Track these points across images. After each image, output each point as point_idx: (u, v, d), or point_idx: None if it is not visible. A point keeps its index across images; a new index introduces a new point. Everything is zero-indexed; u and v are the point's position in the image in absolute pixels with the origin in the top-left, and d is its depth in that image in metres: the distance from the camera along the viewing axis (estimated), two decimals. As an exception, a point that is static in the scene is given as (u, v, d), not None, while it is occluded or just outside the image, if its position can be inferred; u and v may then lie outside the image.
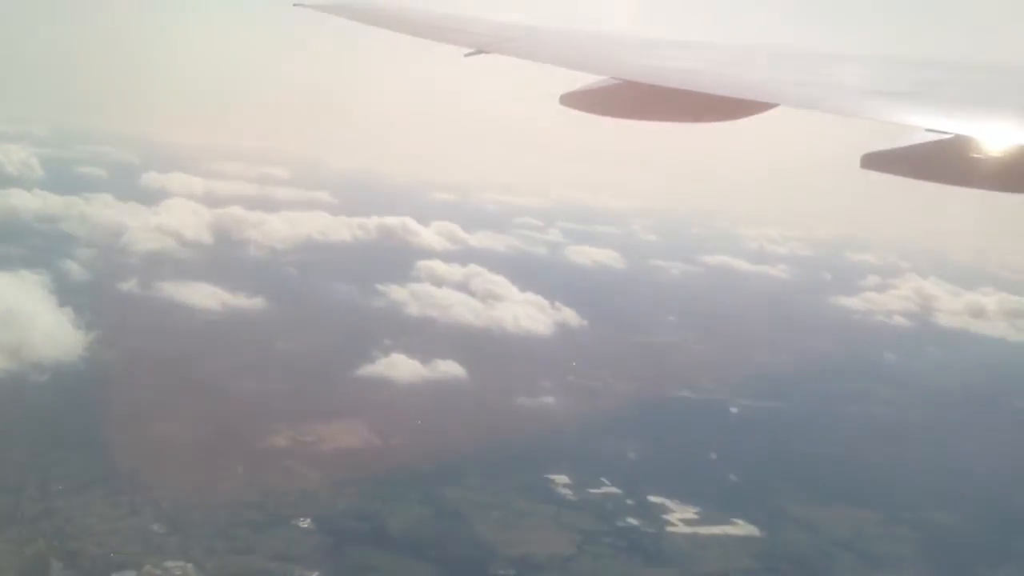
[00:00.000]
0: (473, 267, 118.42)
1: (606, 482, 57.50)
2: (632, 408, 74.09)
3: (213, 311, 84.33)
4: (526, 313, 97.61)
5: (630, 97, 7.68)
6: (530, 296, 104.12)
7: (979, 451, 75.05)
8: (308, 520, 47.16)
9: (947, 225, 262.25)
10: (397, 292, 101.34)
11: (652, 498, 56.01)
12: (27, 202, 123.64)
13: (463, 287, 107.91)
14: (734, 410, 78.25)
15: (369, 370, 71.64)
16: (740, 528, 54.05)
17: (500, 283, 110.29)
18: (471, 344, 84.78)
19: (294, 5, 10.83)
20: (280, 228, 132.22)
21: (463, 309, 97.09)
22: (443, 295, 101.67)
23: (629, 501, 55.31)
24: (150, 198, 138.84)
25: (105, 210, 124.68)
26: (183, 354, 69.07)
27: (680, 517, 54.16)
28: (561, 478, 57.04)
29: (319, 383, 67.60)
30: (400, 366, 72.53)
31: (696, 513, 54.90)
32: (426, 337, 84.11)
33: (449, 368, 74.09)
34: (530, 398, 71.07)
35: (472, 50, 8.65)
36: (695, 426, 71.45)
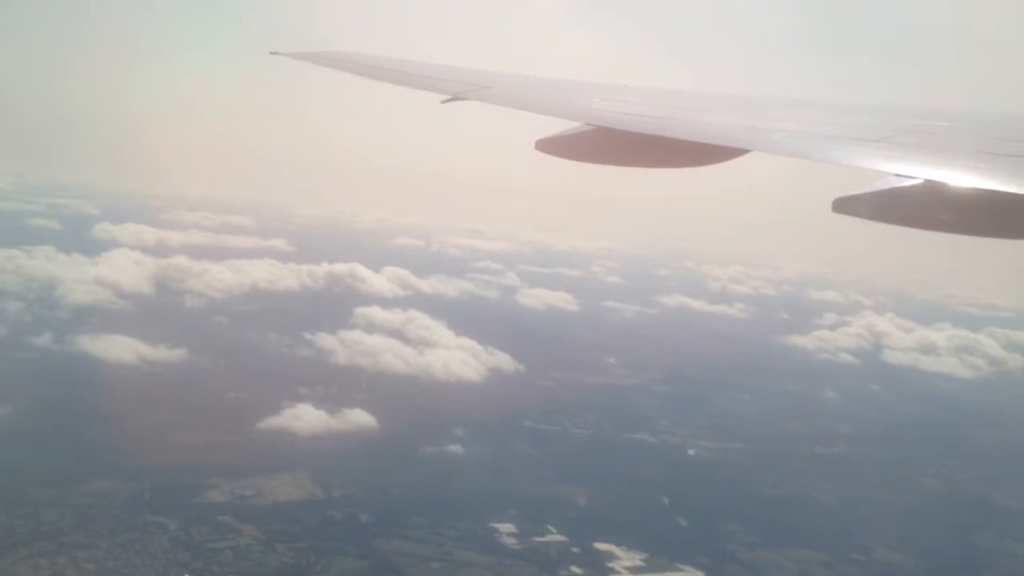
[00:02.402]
0: (413, 313, 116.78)
1: (552, 530, 56.44)
2: (585, 453, 73.15)
3: (127, 365, 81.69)
4: (457, 359, 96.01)
5: (604, 143, 7.76)
6: (464, 341, 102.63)
7: (930, 489, 75.25)
8: (237, 579, 45.72)
9: (914, 263, 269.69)
10: (326, 340, 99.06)
11: (599, 545, 55.09)
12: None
13: (397, 334, 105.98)
14: (691, 452, 77.58)
15: (272, 423, 69.13)
16: (686, 574, 53.20)
17: (435, 329, 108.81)
18: (392, 392, 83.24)
19: (270, 54, 10.71)
20: (224, 278, 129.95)
21: (391, 356, 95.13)
22: (373, 342, 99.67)
23: (574, 549, 54.32)
24: (96, 249, 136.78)
25: (45, 263, 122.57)
26: (85, 408, 66.92)
27: (625, 564, 53.31)
28: (507, 527, 55.93)
29: (220, 436, 65.49)
30: (305, 417, 70.45)
31: (643, 560, 54.09)
32: (344, 386, 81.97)
33: (358, 418, 72.32)
34: (436, 447, 69.07)
35: (448, 97, 8.68)
36: (650, 470, 70.34)
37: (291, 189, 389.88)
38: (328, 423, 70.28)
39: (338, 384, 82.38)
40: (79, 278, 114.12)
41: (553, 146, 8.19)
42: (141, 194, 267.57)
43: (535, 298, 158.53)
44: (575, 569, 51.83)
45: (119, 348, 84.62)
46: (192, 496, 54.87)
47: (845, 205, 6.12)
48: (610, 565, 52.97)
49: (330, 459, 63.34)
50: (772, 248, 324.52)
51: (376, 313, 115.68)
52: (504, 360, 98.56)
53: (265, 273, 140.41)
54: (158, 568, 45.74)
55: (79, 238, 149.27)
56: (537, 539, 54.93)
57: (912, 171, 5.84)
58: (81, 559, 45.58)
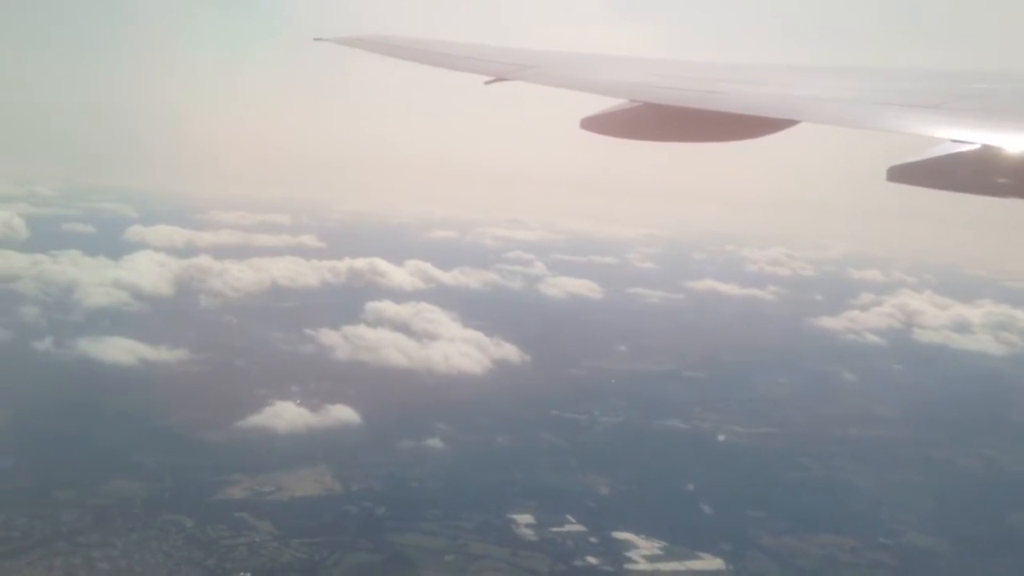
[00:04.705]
0: (423, 305, 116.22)
1: (571, 520, 55.70)
2: (609, 442, 72.40)
3: (123, 366, 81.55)
4: (460, 351, 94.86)
5: (651, 119, 7.71)
6: (471, 333, 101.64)
7: (964, 470, 73.28)
8: (248, 575, 45.54)
9: (963, 238, 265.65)
10: (329, 336, 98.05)
11: (618, 534, 54.22)
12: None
13: (403, 327, 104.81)
14: (721, 438, 76.54)
15: (253, 420, 68.37)
16: (704, 562, 52.08)
17: (442, 322, 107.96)
18: (390, 385, 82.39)
19: (314, 40, 10.84)
20: (244, 276, 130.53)
21: (393, 350, 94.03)
22: (376, 337, 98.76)
23: (592, 539, 53.52)
24: (123, 252, 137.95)
25: (69, 267, 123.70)
26: (85, 411, 67.23)
27: (643, 553, 52.31)
28: (524, 518, 55.32)
29: (198, 434, 65.47)
30: (285, 415, 69.56)
31: (662, 548, 53.03)
32: (338, 381, 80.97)
33: (340, 414, 71.16)
34: (414, 441, 67.50)
35: (492, 78, 8.66)
36: (677, 457, 69.45)
37: (335, 185, 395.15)
38: (309, 420, 69.49)
39: (333, 380, 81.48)
40: (99, 281, 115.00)
41: (599, 124, 8.11)
42: (183, 195, 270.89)
43: (558, 287, 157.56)
44: (591, 559, 51.05)
45: (119, 350, 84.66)
46: (211, 493, 55.13)
47: (900, 173, 5.96)
48: (627, 554, 52.01)
49: (331, 454, 63.19)
50: (821, 226, 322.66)
51: (387, 307, 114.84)
52: (510, 351, 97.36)
53: (286, 271, 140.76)
54: (171, 566, 45.84)
55: (110, 241, 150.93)
56: (555, 529, 54.16)
57: (970, 136, 5.65)
58: (95, 558, 45.89)
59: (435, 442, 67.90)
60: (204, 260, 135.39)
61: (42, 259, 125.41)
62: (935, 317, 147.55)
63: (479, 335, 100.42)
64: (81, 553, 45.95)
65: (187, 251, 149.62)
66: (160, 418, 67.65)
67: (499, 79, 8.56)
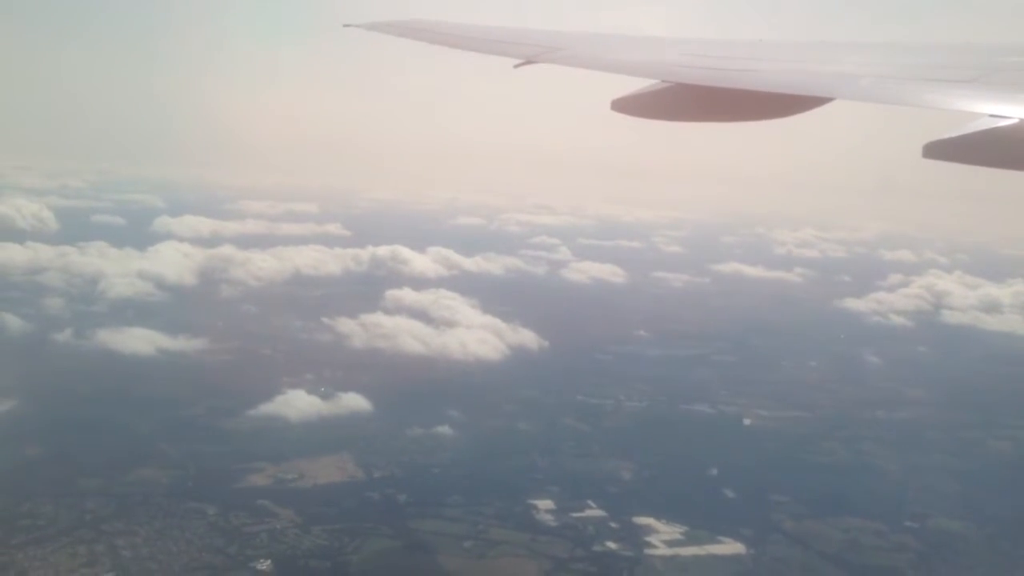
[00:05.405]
0: (443, 292, 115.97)
1: (592, 505, 55.31)
2: (633, 427, 71.99)
3: (144, 356, 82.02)
4: (477, 338, 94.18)
5: (683, 99, 7.71)
6: (488, 319, 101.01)
7: (996, 453, 72.15)
8: (268, 562, 45.77)
9: (999, 216, 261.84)
10: (346, 325, 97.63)
11: (638, 519, 53.69)
12: (15, 255, 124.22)
13: (421, 315, 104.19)
14: (747, 422, 76.02)
15: (273, 409, 68.17)
16: (725, 547, 51.37)
17: (459, 308, 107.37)
18: (402, 372, 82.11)
19: (344, 26, 10.99)
20: (267, 266, 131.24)
21: (409, 338, 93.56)
22: (393, 324, 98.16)
23: (613, 524, 52.98)
24: (150, 243, 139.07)
25: (96, 259, 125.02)
26: (95, 400, 67.62)
27: (663, 538, 51.70)
28: (545, 503, 55.02)
29: (220, 423, 65.72)
30: (296, 403, 69.24)
31: (682, 533, 52.41)
32: (352, 369, 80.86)
33: (358, 402, 70.84)
34: (425, 429, 66.81)
35: (521, 61, 8.70)
36: (702, 441, 68.93)
37: (364, 172, 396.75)
38: (328, 408, 69.26)
39: (350, 368, 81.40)
40: (124, 272, 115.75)
41: (630, 105, 8.06)
42: (214, 185, 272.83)
43: (581, 272, 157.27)
44: (610, 544, 50.62)
45: (137, 341, 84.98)
46: (233, 481, 55.37)
47: (937, 149, 5.89)
48: (647, 539, 51.52)
49: (352, 441, 63.23)
50: (855, 206, 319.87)
51: (406, 295, 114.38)
52: (528, 337, 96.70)
53: (309, 259, 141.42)
54: (192, 553, 46.02)
55: (138, 232, 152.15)
56: (575, 515, 53.83)
57: (1007, 111, 5.58)
58: (119, 546, 46.14)
59: (451, 429, 67.49)
60: (227, 250, 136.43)
61: (69, 251, 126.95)
62: (964, 298, 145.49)
63: (497, 321, 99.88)
64: (105, 541, 46.26)
65: (213, 241, 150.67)
66: (182, 407, 68.16)
67: (528, 62, 8.54)
